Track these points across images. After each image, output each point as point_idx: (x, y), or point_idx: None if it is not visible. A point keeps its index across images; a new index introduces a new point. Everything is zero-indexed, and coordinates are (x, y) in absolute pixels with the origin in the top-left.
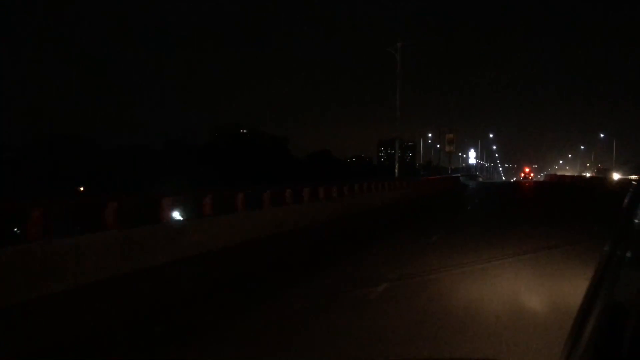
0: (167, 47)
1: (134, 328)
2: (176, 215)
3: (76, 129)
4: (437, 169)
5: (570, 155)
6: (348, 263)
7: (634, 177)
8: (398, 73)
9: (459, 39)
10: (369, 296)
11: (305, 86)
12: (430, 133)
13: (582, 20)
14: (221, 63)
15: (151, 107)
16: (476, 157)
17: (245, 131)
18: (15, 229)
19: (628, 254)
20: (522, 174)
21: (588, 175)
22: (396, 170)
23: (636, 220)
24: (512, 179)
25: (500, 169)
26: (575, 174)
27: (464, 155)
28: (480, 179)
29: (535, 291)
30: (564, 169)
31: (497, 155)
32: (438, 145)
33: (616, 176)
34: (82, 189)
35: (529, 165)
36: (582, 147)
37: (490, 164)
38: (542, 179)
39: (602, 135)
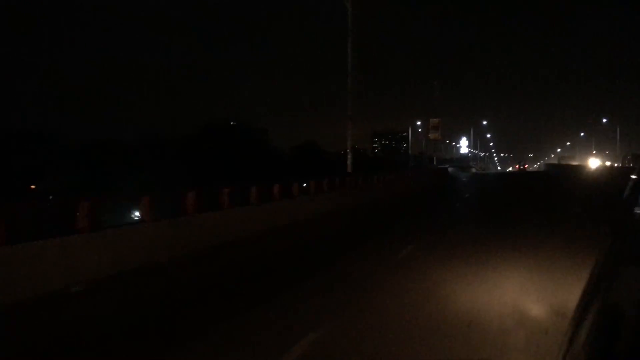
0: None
1: None
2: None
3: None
4: (430, 160)
5: (568, 144)
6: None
7: None
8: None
9: (449, 25)
10: None
11: (296, 79)
12: (420, 121)
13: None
14: (209, 60)
15: (137, 104)
16: (469, 146)
17: (234, 123)
18: None
19: (628, 249)
20: (517, 166)
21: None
22: (349, 164)
23: (637, 211)
24: (508, 168)
25: (496, 158)
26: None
27: (457, 145)
28: (474, 170)
29: None
30: (581, 155)
31: (491, 144)
32: (430, 135)
33: None
34: (33, 187)
35: (522, 160)
36: (581, 134)
37: (485, 154)
38: (543, 169)
39: (604, 120)
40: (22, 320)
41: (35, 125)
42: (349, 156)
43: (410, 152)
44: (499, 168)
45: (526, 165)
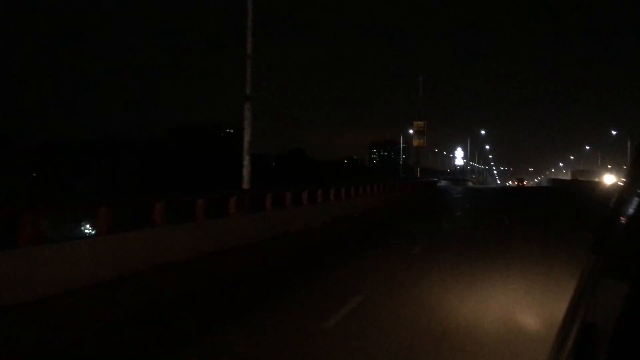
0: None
1: None
2: None
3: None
4: (412, 171)
5: (572, 157)
6: None
7: None
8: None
9: (446, 29)
10: None
11: (299, 87)
12: (412, 130)
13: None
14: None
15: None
16: (464, 157)
17: (231, 131)
18: None
19: (607, 263)
20: (516, 182)
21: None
22: (245, 175)
23: (622, 221)
24: (508, 182)
25: (495, 172)
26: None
27: (452, 155)
28: (471, 184)
29: None
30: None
31: (490, 156)
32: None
33: None
34: None
35: (522, 175)
36: (587, 147)
37: (484, 167)
38: (545, 184)
39: (614, 132)
40: None
41: None
42: (246, 166)
43: (405, 162)
44: (499, 182)
45: (525, 182)
